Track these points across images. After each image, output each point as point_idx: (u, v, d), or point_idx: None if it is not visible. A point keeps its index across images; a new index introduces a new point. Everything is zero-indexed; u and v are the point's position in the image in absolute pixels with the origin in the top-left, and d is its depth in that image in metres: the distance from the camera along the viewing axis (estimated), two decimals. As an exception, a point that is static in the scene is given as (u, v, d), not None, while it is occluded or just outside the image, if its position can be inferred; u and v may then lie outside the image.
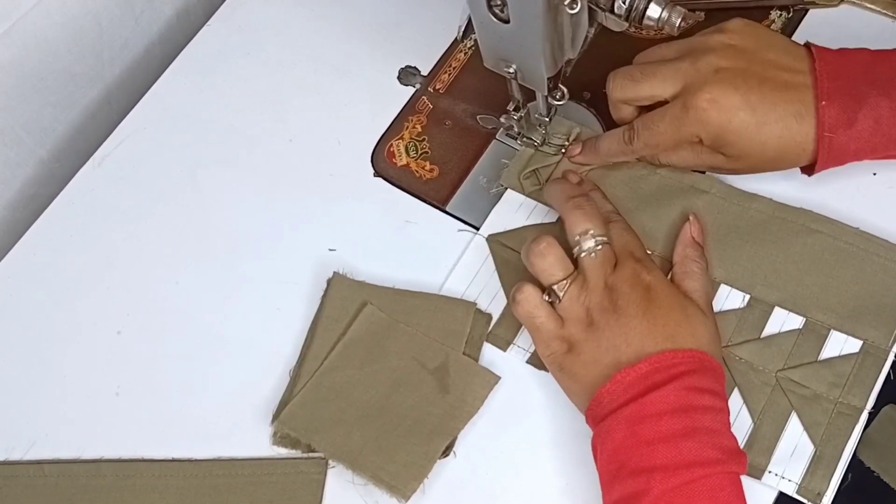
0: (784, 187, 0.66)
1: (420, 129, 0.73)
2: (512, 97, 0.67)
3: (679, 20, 0.57)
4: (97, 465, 0.64)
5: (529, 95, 0.66)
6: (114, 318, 0.69)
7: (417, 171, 0.72)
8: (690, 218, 0.64)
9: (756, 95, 0.60)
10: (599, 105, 0.71)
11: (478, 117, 0.73)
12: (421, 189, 0.71)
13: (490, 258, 0.67)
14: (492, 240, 0.68)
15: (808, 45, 0.62)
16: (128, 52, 0.83)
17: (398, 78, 0.76)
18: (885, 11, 0.72)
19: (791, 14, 0.73)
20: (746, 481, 0.59)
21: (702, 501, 0.52)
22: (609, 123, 0.70)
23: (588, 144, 0.67)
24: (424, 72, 0.76)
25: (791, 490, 0.58)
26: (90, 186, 0.74)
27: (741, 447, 0.59)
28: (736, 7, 0.73)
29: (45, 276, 0.71)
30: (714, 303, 0.63)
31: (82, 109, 0.82)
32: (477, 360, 0.64)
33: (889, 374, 0.60)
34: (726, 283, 0.64)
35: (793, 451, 0.59)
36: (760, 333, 0.62)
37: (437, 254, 0.68)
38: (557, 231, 0.64)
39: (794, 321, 0.62)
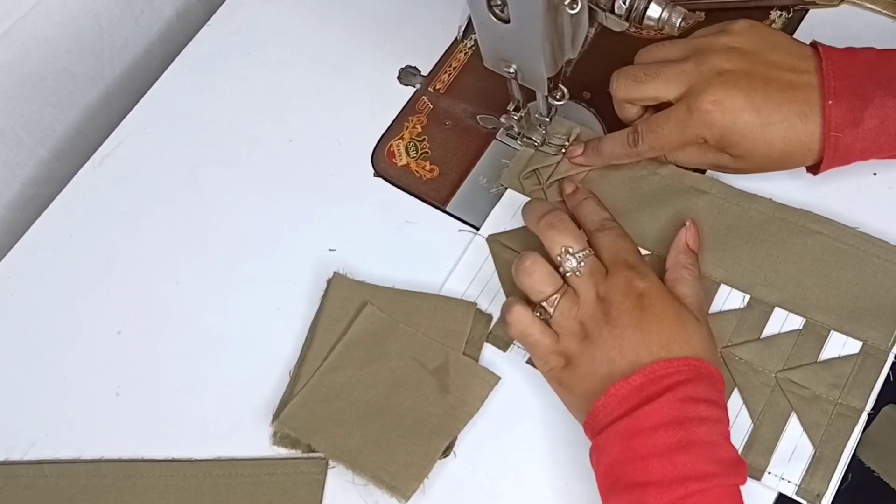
0: (784, 187, 0.66)
1: (420, 129, 0.73)
2: (512, 97, 0.67)
3: (679, 20, 0.57)
4: (97, 465, 0.64)
5: (529, 95, 0.65)
6: (114, 318, 0.69)
7: (417, 171, 0.72)
8: (687, 223, 0.63)
9: (760, 96, 0.59)
10: (599, 105, 0.71)
11: (478, 117, 0.73)
12: (421, 189, 0.71)
13: (490, 258, 0.67)
14: (492, 240, 0.68)
15: (814, 45, 0.62)
16: (128, 52, 0.83)
17: (398, 78, 0.76)
18: (885, 11, 0.72)
19: (791, 14, 0.73)
20: (747, 482, 0.59)
21: None
22: (609, 123, 0.70)
23: (590, 146, 0.67)
24: (424, 72, 0.76)
25: (790, 491, 0.58)
26: (90, 186, 0.74)
27: (741, 448, 0.59)
28: (736, 7, 0.73)
29: (45, 276, 0.71)
30: (714, 303, 0.63)
31: (82, 109, 0.82)
32: (477, 360, 0.64)
33: (889, 374, 0.60)
34: (726, 284, 0.64)
35: (792, 452, 0.59)
36: (760, 334, 0.62)
37: (437, 254, 0.68)
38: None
39: (794, 322, 0.62)
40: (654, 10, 0.57)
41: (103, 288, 0.70)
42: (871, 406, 0.60)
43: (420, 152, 0.72)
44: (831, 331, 0.61)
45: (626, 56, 0.66)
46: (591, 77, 0.69)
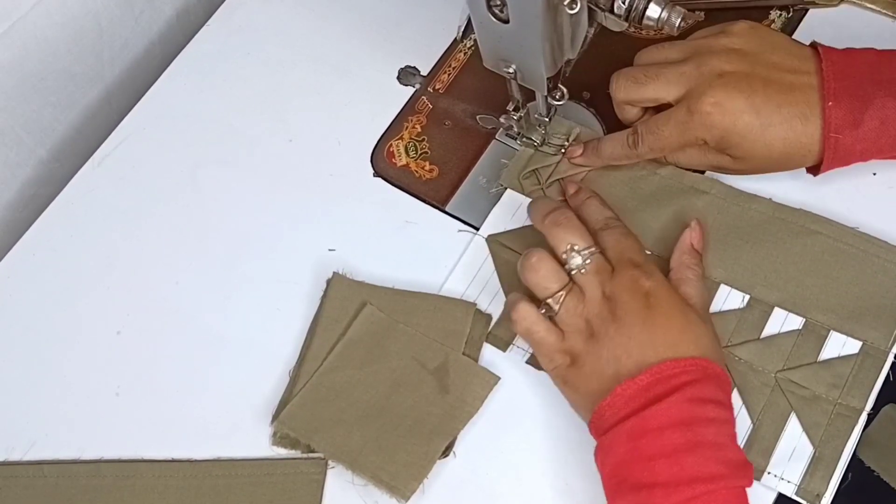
0: (784, 188, 0.66)
1: (420, 129, 0.73)
2: (512, 97, 0.67)
3: (679, 20, 0.57)
4: (97, 465, 0.64)
5: (529, 95, 0.65)
6: (114, 318, 0.69)
7: (417, 171, 0.72)
8: (692, 224, 0.63)
9: (760, 98, 0.59)
10: (599, 105, 0.71)
11: (477, 117, 0.73)
12: (421, 189, 0.71)
13: (490, 258, 0.67)
14: (492, 240, 0.68)
15: (814, 45, 0.62)
16: (128, 52, 0.83)
17: (398, 78, 0.76)
18: (885, 11, 0.72)
19: (791, 14, 0.73)
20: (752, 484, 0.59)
21: None
22: (609, 123, 0.70)
23: (590, 147, 0.67)
24: (424, 72, 0.76)
25: (790, 491, 0.58)
26: (90, 186, 0.74)
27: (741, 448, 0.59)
28: (736, 7, 0.73)
29: (45, 276, 0.71)
30: (714, 303, 0.63)
31: (82, 109, 0.82)
32: (477, 360, 0.64)
33: (889, 374, 0.60)
34: (726, 284, 0.64)
35: (792, 452, 0.59)
36: (760, 334, 0.62)
37: (437, 254, 0.68)
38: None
39: (794, 322, 0.62)
40: (654, 10, 0.57)
41: (103, 288, 0.70)
42: (871, 406, 0.59)
43: (420, 152, 0.72)
44: (831, 331, 0.61)
45: (625, 56, 0.66)
46: (590, 77, 0.69)
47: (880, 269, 0.62)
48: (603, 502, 0.56)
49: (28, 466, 0.64)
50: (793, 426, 0.60)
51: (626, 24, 0.58)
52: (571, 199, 0.66)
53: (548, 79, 0.62)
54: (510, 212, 0.69)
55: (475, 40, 0.76)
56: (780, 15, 0.73)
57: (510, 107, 0.67)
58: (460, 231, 0.69)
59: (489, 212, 0.69)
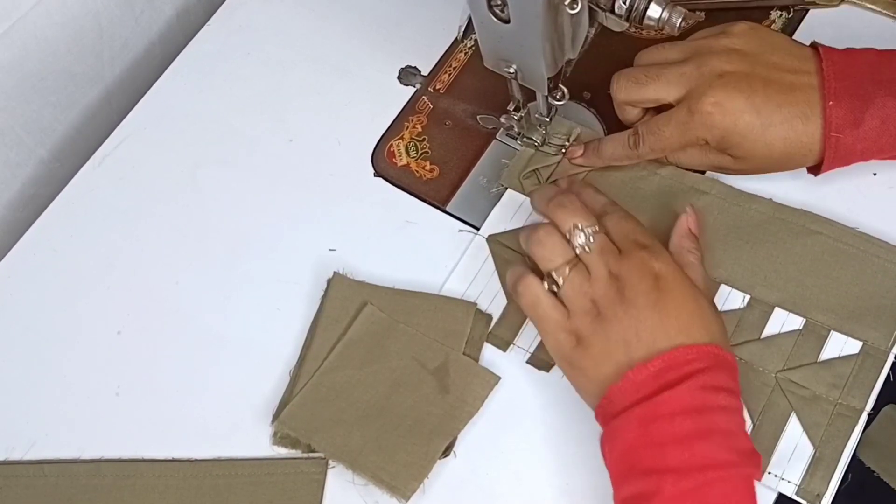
0: (784, 188, 0.66)
1: (420, 129, 0.73)
2: (512, 97, 0.67)
3: (679, 20, 0.57)
4: (97, 465, 0.64)
5: (529, 95, 0.66)
6: (114, 318, 0.69)
7: (417, 171, 0.72)
8: (687, 209, 0.63)
9: (760, 98, 0.60)
10: (600, 105, 0.71)
11: (478, 117, 0.73)
12: (421, 189, 0.71)
13: (490, 258, 0.67)
14: (492, 240, 0.68)
15: (814, 45, 0.62)
16: (128, 52, 0.83)
17: (398, 78, 0.76)
18: (885, 11, 0.72)
19: (791, 14, 0.73)
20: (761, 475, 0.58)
21: None
22: (609, 123, 0.70)
23: (590, 147, 0.67)
24: (424, 72, 0.76)
25: (790, 491, 0.58)
26: (90, 186, 0.74)
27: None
28: (736, 7, 0.73)
29: (45, 276, 0.71)
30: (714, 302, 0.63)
31: (82, 109, 0.82)
32: (477, 360, 0.64)
33: (889, 374, 0.60)
34: (726, 284, 0.64)
35: (792, 453, 0.59)
36: (760, 334, 0.62)
37: (437, 254, 0.68)
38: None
39: (794, 322, 0.62)
40: (655, 11, 0.57)
41: (103, 288, 0.70)
42: (871, 406, 0.60)
43: (420, 152, 0.72)
44: (831, 331, 0.61)
45: (626, 56, 0.66)
46: (591, 77, 0.69)
47: (880, 269, 0.62)
48: (604, 502, 0.56)
49: (28, 466, 0.64)
50: (793, 426, 0.60)
51: (627, 25, 0.58)
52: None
53: (548, 79, 0.62)
54: (511, 212, 0.69)
55: (476, 40, 0.76)
56: (781, 15, 0.73)
57: (511, 107, 0.67)
58: (461, 231, 0.69)
59: (490, 212, 0.69)
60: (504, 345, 0.65)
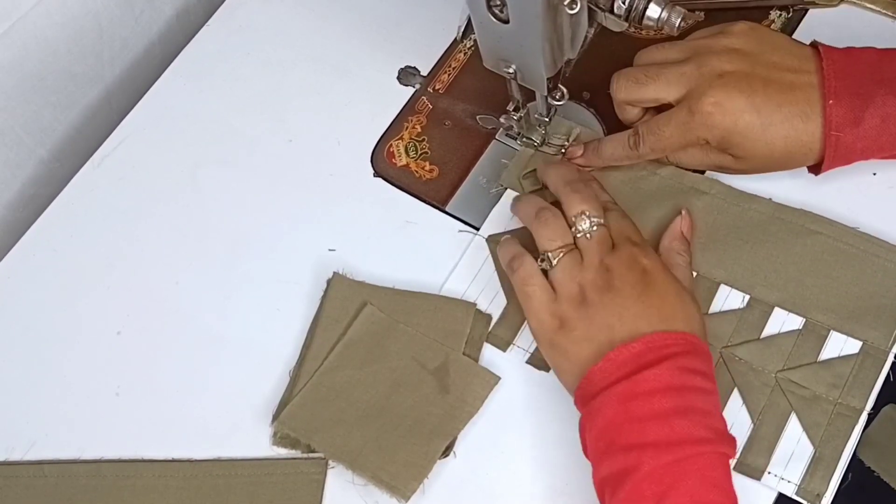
0: (784, 188, 0.66)
1: (420, 130, 0.73)
2: (512, 97, 0.67)
3: (679, 20, 0.57)
4: (97, 465, 0.64)
5: (529, 95, 0.66)
6: (114, 318, 0.69)
7: (417, 172, 0.72)
8: (682, 213, 0.64)
9: (761, 97, 0.60)
10: (599, 105, 0.71)
11: (477, 117, 0.73)
12: (421, 189, 0.71)
13: (490, 258, 0.67)
14: (492, 240, 0.68)
15: (814, 45, 0.62)
16: (128, 52, 0.83)
17: (398, 78, 0.76)
18: (885, 11, 0.72)
19: (791, 14, 0.73)
20: (746, 482, 0.59)
21: (692, 479, 0.53)
22: (609, 123, 0.70)
23: (590, 147, 0.67)
24: (424, 72, 0.76)
25: (790, 491, 0.58)
26: (90, 186, 0.74)
27: (741, 448, 0.59)
28: (735, 7, 0.73)
29: (45, 276, 0.71)
30: (714, 303, 0.64)
31: (82, 109, 0.82)
32: (477, 360, 0.64)
33: (889, 374, 0.60)
34: (726, 284, 0.64)
35: (792, 452, 0.59)
36: (760, 334, 0.62)
37: (437, 254, 0.68)
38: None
39: (794, 322, 0.62)
40: (654, 11, 0.57)
41: (103, 288, 0.70)
42: (871, 406, 0.60)
43: (420, 152, 0.72)
44: (831, 331, 0.61)
45: (625, 56, 0.66)
46: (590, 77, 0.69)
47: (880, 269, 0.62)
48: (603, 502, 0.56)
49: (28, 466, 0.64)
50: (793, 426, 0.60)
51: (626, 25, 0.58)
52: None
53: (548, 79, 0.62)
54: (510, 212, 0.68)
55: (475, 40, 0.75)
56: (780, 15, 0.73)
57: (510, 107, 0.67)
58: (460, 231, 0.69)
59: (489, 212, 0.69)
60: (504, 345, 0.65)
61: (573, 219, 0.61)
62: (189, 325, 0.68)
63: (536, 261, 0.61)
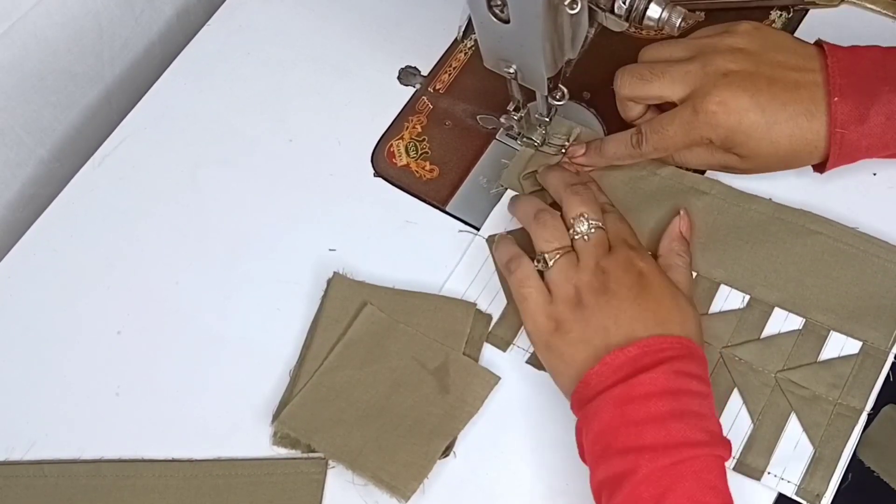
0: (784, 187, 0.66)
1: (420, 130, 0.73)
2: (512, 97, 0.67)
3: (679, 20, 0.57)
4: (97, 465, 0.64)
5: (529, 95, 0.65)
6: (114, 318, 0.69)
7: (417, 172, 0.72)
8: (681, 213, 0.64)
9: (765, 96, 0.60)
10: (599, 105, 0.71)
11: (478, 117, 0.73)
12: (421, 189, 0.71)
13: (490, 259, 0.67)
14: (492, 240, 0.68)
15: (818, 43, 0.62)
16: (128, 52, 0.83)
17: (398, 78, 0.76)
18: (885, 11, 0.72)
19: (791, 14, 0.73)
20: (746, 482, 0.59)
21: (689, 481, 0.53)
22: (609, 123, 0.70)
23: (592, 147, 0.67)
24: (424, 72, 0.76)
25: (790, 491, 0.58)
26: (90, 186, 0.74)
27: (741, 448, 0.59)
28: (735, 7, 0.73)
29: (45, 276, 0.71)
30: (714, 303, 0.64)
31: (82, 109, 0.82)
32: (477, 360, 0.64)
33: (889, 374, 0.60)
34: (726, 284, 0.64)
35: (792, 452, 0.59)
36: (760, 334, 0.62)
37: (438, 254, 0.68)
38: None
39: (794, 322, 0.62)
40: (654, 11, 0.57)
41: (103, 288, 0.70)
42: (871, 406, 0.60)
43: (420, 152, 0.72)
44: (831, 331, 0.61)
45: (625, 56, 0.66)
46: (590, 77, 0.69)
47: (880, 269, 0.62)
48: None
49: (28, 466, 0.64)
50: (793, 426, 0.60)
51: (627, 25, 0.58)
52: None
53: (548, 79, 0.62)
54: (508, 212, 0.68)
55: (475, 40, 0.76)
56: (781, 15, 0.73)
57: (510, 107, 0.67)
58: (461, 231, 0.69)
59: (489, 212, 0.69)
60: (504, 345, 0.65)
61: (572, 221, 0.61)
62: (189, 325, 0.68)
63: (533, 261, 0.61)
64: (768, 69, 0.61)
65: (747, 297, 0.63)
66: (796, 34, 0.71)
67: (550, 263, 0.60)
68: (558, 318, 0.59)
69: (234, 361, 0.67)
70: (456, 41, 0.77)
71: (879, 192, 0.66)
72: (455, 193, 0.70)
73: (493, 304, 0.66)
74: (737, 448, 0.59)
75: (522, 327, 0.64)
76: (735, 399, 0.61)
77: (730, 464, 0.59)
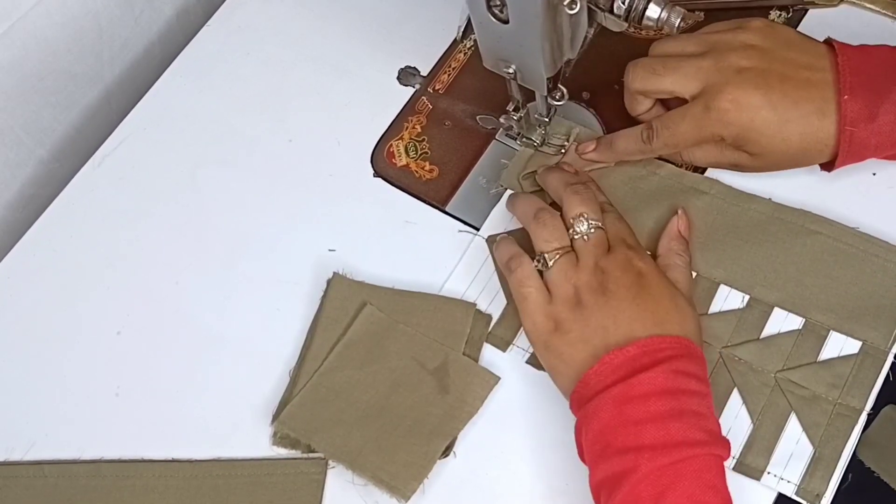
0: (784, 187, 0.66)
1: (420, 130, 0.73)
2: (511, 97, 0.67)
3: (678, 20, 0.57)
4: (97, 466, 0.64)
5: (529, 96, 0.66)
6: (114, 318, 0.69)
7: (417, 172, 0.72)
8: (679, 212, 0.64)
9: (777, 94, 0.60)
10: (599, 105, 0.71)
11: (477, 117, 0.73)
12: (421, 189, 0.71)
13: (490, 259, 0.67)
14: (492, 240, 0.68)
15: (828, 42, 0.62)
16: (128, 52, 0.83)
17: (398, 78, 0.76)
18: (884, 11, 0.72)
19: (791, 14, 0.73)
20: (746, 482, 0.59)
21: (688, 481, 0.53)
22: (608, 123, 0.70)
23: (603, 142, 0.67)
24: (424, 72, 0.76)
25: (790, 491, 0.58)
26: (90, 186, 0.74)
27: (740, 448, 0.59)
28: (735, 7, 0.73)
29: (45, 276, 0.71)
30: (714, 303, 0.64)
31: (82, 109, 0.82)
32: (477, 360, 0.64)
33: (888, 374, 0.60)
34: (726, 284, 0.64)
35: (792, 452, 0.59)
36: (760, 334, 0.62)
37: (437, 254, 0.68)
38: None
39: (794, 322, 0.62)
40: (654, 11, 0.57)
41: (103, 288, 0.70)
42: (871, 406, 0.60)
43: (420, 152, 0.72)
44: (831, 331, 0.61)
45: (625, 56, 0.66)
46: (590, 77, 0.69)
47: (880, 269, 0.62)
48: None
49: (28, 466, 0.64)
50: (793, 426, 0.60)
51: (626, 25, 0.58)
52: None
53: (547, 79, 0.62)
54: (507, 211, 0.68)
55: (475, 40, 0.76)
56: (780, 15, 0.73)
57: (510, 107, 0.67)
58: (460, 231, 0.69)
59: (489, 212, 0.69)
60: (504, 345, 0.65)
61: (572, 220, 0.61)
62: (189, 325, 0.68)
63: (532, 261, 0.61)
64: (780, 67, 0.61)
65: (747, 297, 0.63)
66: (797, 34, 0.71)
67: (550, 263, 0.60)
68: (557, 317, 0.59)
69: (233, 361, 0.67)
70: (455, 41, 0.77)
71: (879, 192, 0.66)
72: (455, 194, 0.70)
73: (492, 304, 0.66)
74: (736, 448, 0.59)
75: (522, 327, 0.64)
76: (735, 399, 0.61)
77: (729, 464, 0.59)
